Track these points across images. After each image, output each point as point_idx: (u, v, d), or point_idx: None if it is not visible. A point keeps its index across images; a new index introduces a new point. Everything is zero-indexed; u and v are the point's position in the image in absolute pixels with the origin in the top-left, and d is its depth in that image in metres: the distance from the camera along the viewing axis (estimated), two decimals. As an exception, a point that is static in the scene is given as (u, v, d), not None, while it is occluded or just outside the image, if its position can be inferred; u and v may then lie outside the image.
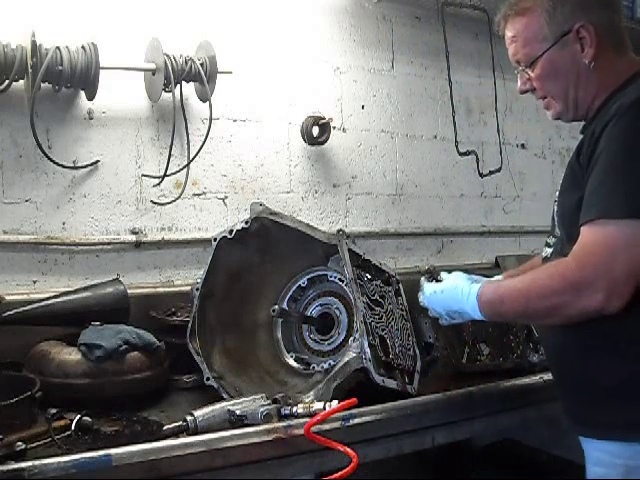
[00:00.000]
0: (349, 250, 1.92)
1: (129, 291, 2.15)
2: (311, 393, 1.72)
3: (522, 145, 3.45)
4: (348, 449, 1.51)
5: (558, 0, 1.51)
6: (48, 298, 2.05)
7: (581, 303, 1.36)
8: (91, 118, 2.31)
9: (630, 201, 1.32)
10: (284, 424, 1.58)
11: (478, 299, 1.56)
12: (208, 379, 1.88)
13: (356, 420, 1.67)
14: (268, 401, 1.66)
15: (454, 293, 1.63)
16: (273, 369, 2.06)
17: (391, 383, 1.79)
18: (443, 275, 1.76)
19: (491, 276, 2.73)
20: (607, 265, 1.33)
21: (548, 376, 2.08)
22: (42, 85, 2.08)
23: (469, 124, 3.22)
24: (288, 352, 2.10)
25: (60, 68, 2.08)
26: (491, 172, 3.13)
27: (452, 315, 1.68)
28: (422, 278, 1.82)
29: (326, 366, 1.98)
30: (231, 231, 2.00)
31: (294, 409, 1.63)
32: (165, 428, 1.56)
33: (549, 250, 1.69)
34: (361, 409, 1.67)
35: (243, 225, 1.99)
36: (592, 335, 1.45)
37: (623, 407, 1.42)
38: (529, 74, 1.59)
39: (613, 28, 1.52)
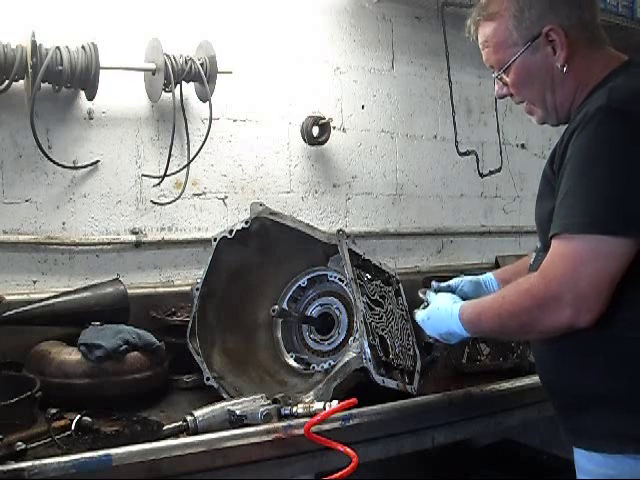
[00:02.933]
0: (349, 250, 1.92)
1: (129, 291, 2.15)
2: (311, 393, 1.73)
3: (522, 145, 3.45)
4: (348, 449, 1.51)
5: (525, 3, 1.45)
6: (48, 298, 2.05)
7: (550, 319, 1.35)
8: (91, 118, 2.31)
9: (593, 215, 1.29)
10: (284, 424, 1.58)
11: (460, 318, 1.57)
12: (208, 379, 1.88)
13: (356, 420, 1.67)
14: (268, 401, 1.66)
15: (439, 316, 1.64)
16: (273, 369, 2.06)
17: (391, 383, 1.79)
18: (430, 297, 1.76)
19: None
20: (572, 280, 1.30)
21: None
22: (42, 85, 2.08)
23: (469, 124, 3.22)
24: (288, 352, 2.10)
25: (60, 68, 2.07)
26: (491, 172, 3.13)
27: (445, 337, 1.67)
28: (420, 294, 1.83)
29: (326, 366, 1.98)
30: (231, 231, 2.00)
31: (294, 409, 1.63)
32: (165, 428, 1.56)
33: (534, 256, 1.65)
34: (361, 409, 1.67)
35: (243, 225, 1.99)
36: (571, 347, 1.42)
37: (602, 418, 1.39)
38: (504, 80, 1.54)
39: (585, 27, 1.46)
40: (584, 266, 1.29)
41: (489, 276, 1.90)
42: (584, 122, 1.34)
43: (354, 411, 1.66)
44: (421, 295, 1.81)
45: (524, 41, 1.46)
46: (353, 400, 1.59)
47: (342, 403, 1.58)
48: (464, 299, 1.70)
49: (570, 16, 1.45)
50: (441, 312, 1.64)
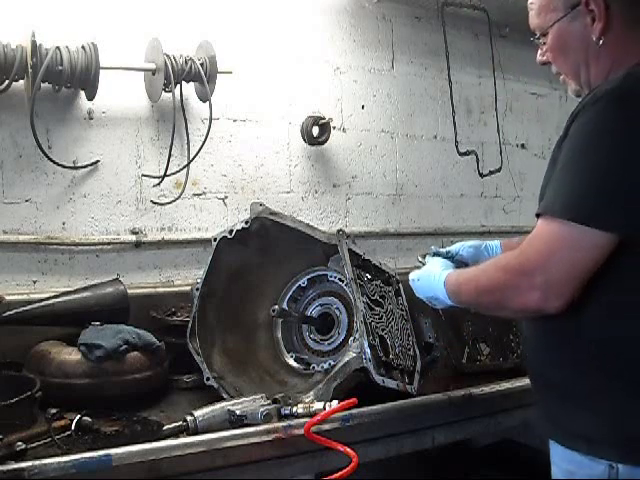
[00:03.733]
0: (349, 250, 1.92)
1: (129, 291, 2.15)
2: (311, 393, 1.73)
3: (522, 145, 3.45)
4: (348, 449, 1.51)
5: None
6: (48, 298, 2.05)
7: (519, 300, 1.32)
8: (91, 118, 2.31)
9: (578, 202, 1.26)
10: (284, 424, 1.58)
11: (444, 286, 1.58)
12: (208, 379, 1.88)
13: (356, 420, 1.67)
14: (268, 401, 1.66)
15: (428, 280, 1.65)
16: (273, 369, 2.06)
17: (391, 383, 1.79)
18: (427, 260, 1.78)
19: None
20: (546, 263, 1.27)
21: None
22: (42, 85, 2.08)
23: (469, 124, 3.22)
24: (288, 352, 2.10)
25: (60, 68, 2.07)
26: (491, 172, 3.13)
27: (431, 301, 1.68)
28: (419, 257, 1.86)
29: (326, 366, 1.98)
30: (231, 231, 2.00)
31: (294, 409, 1.63)
32: (165, 428, 1.56)
33: None
34: (361, 409, 1.67)
35: (243, 225, 2.00)
36: (544, 332, 1.41)
37: (562, 411, 1.38)
38: (543, 45, 1.50)
39: (629, 5, 1.39)
40: (560, 252, 1.27)
41: (495, 243, 1.87)
42: (589, 103, 1.29)
43: (354, 411, 1.66)
44: (419, 259, 1.84)
45: (565, 7, 1.41)
46: (353, 400, 1.59)
47: (342, 403, 1.58)
48: (463, 265, 1.73)
49: None
50: (430, 277, 1.64)
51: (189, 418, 1.57)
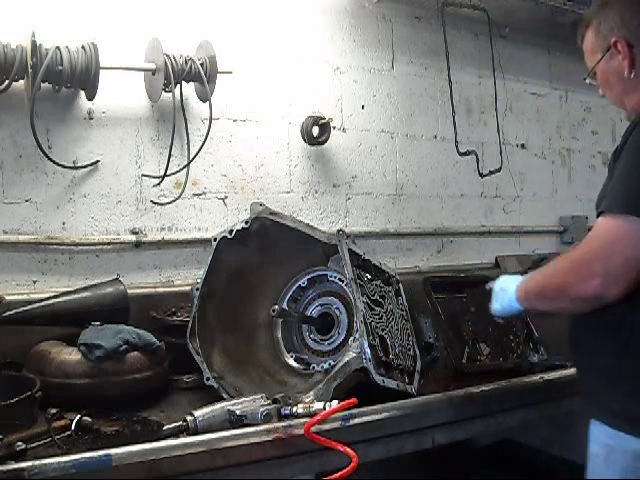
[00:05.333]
0: (349, 250, 1.92)
1: (129, 291, 2.15)
2: (311, 393, 1.73)
3: (522, 145, 3.45)
4: (348, 449, 1.51)
5: (602, 17, 1.66)
6: (48, 298, 2.05)
7: (581, 285, 1.46)
8: (91, 118, 2.31)
9: (633, 201, 1.43)
10: (284, 424, 1.58)
11: (516, 289, 1.71)
12: (208, 379, 1.88)
13: (356, 420, 1.67)
14: (268, 401, 1.66)
15: (502, 291, 1.78)
16: (273, 369, 2.06)
17: (391, 383, 1.79)
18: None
19: (491, 276, 2.75)
20: (607, 254, 1.43)
21: (548, 376, 2.09)
22: (42, 85, 2.08)
23: (469, 124, 3.22)
24: (288, 352, 2.10)
25: (60, 68, 2.08)
26: (491, 172, 3.13)
27: (506, 311, 1.78)
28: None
29: (326, 366, 1.98)
30: (231, 231, 2.00)
31: (294, 409, 1.63)
32: (165, 428, 1.56)
33: None
34: (361, 409, 1.67)
35: (243, 225, 1.99)
36: (598, 319, 1.55)
37: (610, 393, 1.54)
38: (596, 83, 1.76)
39: None
40: (619, 244, 1.43)
41: None
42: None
43: (354, 411, 1.66)
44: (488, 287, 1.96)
45: (602, 50, 1.67)
46: (353, 400, 1.59)
47: (342, 403, 1.58)
48: None
49: (635, 32, 1.63)
50: (504, 286, 1.78)
51: (189, 418, 1.57)
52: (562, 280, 1.53)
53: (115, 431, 1.62)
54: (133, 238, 2.37)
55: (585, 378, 1.66)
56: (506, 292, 1.75)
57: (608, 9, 1.66)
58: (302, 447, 1.59)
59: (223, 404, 1.64)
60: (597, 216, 1.52)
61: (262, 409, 1.61)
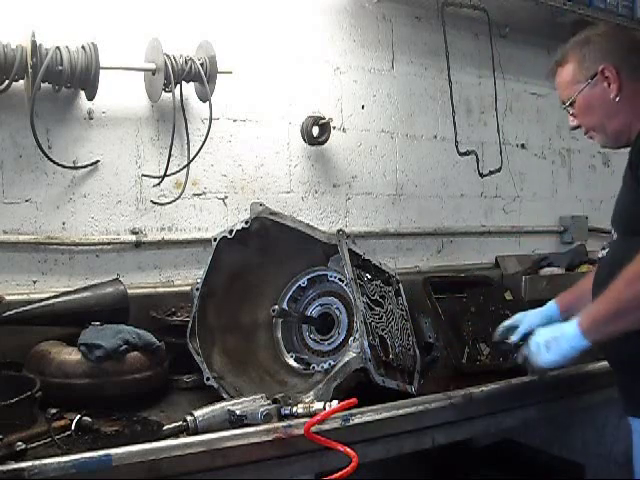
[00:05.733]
0: (349, 250, 1.92)
1: (129, 291, 2.15)
2: (311, 393, 1.73)
3: (522, 145, 3.45)
4: (348, 449, 1.51)
5: (587, 50, 1.85)
6: (48, 298, 2.05)
7: None
8: (91, 118, 2.31)
9: None
10: (284, 424, 1.58)
11: (578, 324, 1.68)
12: (208, 379, 1.88)
13: (356, 420, 1.67)
14: (268, 401, 1.66)
15: (558, 339, 1.73)
16: (273, 369, 2.06)
17: (391, 383, 1.79)
18: (518, 334, 2.00)
19: (491, 276, 2.75)
20: None
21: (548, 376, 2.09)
22: (42, 85, 2.07)
23: (469, 124, 3.22)
24: (288, 352, 2.10)
25: (60, 68, 2.07)
26: (491, 172, 3.13)
27: (569, 356, 1.74)
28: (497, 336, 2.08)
29: (326, 366, 1.98)
30: (231, 231, 2.00)
31: (294, 409, 1.63)
32: (165, 428, 1.56)
33: (604, 252, 1.88)
34: (361, 409, 1.67)
35: (243, 225, 1.99)
36: None
37: None
38: (572, 112, 1.90)
39: (634, 68, 1.81)
40: None
41: (550, 304, 2.06)
42: None
43: (354, 411, 1.66)
44: (501, 338, 2.05)
45: (585, 78, 1.83)
46: (353, 400, 1.59)
47: (342, 403, 1.58)
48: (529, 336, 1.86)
49: (623, 58, 1.82)
50: (557, 335, 1.73)
51: (189, 418, 1.57)
52: None
53: (115, 431, 1.62)
54: (133, 238, 2.37)
55: (621, 375, 1.75)
56: (562, 337, 1.71)
57: (592, 44, 1.85)
58: (302, 447, 1.59)
59: (223, 404, 1.64)
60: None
61: (262, 409, 1.61)
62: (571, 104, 1.88)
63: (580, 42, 1.89)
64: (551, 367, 1.79)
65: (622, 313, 1.61)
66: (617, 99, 1.80)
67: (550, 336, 1.74)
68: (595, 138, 1.91)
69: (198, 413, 1.59)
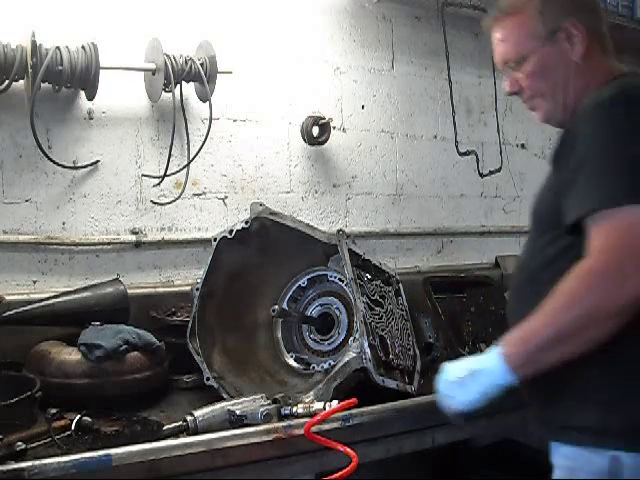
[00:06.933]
0: (349, 250, 1.92)
1: (129, 291, 2.15)
2: (311, 393, 1.73)
3: (522, 145, 3.45)
4: (348, 449, 1.51)
5: (551, 1, 1.53)
6: (48, 298, 2.05)
7: (617, 294, 1.23)
8: (91, 118, 2.31)
9: (632, 187, 1.27)
10: (284, 424, 1.58)
11: (505, 360, 1.36)
12: (208, 379, 1.88)
13: (356, 420, 1.67)
14: (268, 401, 1.66)
15: (474, 374, 1.41)
16: (273, 369, 2.06)
17: (391, 383, 1.79)
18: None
19: (491, 276, 2.75)
20: (633, 249, 1.23)
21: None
22: (42, 85, 2.07)
23: (469, 124, 3.22)
24: (288, 352, 2.10)
25: (60, 68, 2.07)
26: (491, 172, 3.13)
27: (487, 395, 1.42)
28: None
29: (326, 366, 1.98)
30: (231, 231, 2.00)
31: (294, 409, 1.63)
32: (165, 428, 1.57)
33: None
34: (361, 409, 1.67)
35: (243, 225, 2.00)
36: None
37: (571, 409, 1.37)
38: (518, 73, 1.56)
39: (599, 32, 1.55)
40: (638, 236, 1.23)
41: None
42: (590, 110, 1.37)
43: (354, 411, 1.66)
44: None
45: (545, 34, 1.51)
46: (353, 400, 1.59)
47: (342, 403, 1.58)
48: None
49: (590, 20, 1.53)
50: (475, 368, 1.41)
51: (189, 418, 1.58)
52: (591, 299, 1.24)
53: (115, 431, 1.62)
54: (133, 238, 2.37)
55: (536, 396, 1.44)
56: (481, 373, 1.38)
57: None
58: (302, 447, 1.59)
59: (223, 404, 1.64)
60: (575, 221, 1.30)
61: (262, 409, 1.61)
62: (519, 63, 1.55)
63: None
64: (469, 409, 1.43)
65: (561, 340, 1.29)
66: (580, 63, 1.50)
67: (464, 370, 1.42)
68: (539, 109, 1.59)
69: (198, 413, 1.59)
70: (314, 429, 1.54)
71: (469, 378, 1.40)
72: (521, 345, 1.34)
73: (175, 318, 2.16)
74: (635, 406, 1.31)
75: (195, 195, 2.51)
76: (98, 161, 2.31)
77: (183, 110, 2.40)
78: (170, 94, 2.29)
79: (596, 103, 1.37)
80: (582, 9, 1.54)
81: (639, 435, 1.30)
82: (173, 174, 2.38)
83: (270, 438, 1.55)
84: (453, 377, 1.44)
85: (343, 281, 2.02)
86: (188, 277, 2.45)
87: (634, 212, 1.24)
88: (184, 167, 2.38)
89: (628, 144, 1.30)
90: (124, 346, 1.84)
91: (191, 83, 2.40)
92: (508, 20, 1.56)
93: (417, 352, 2.05)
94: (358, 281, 1.89)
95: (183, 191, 2.40)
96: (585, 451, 1.33)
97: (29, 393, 1.61)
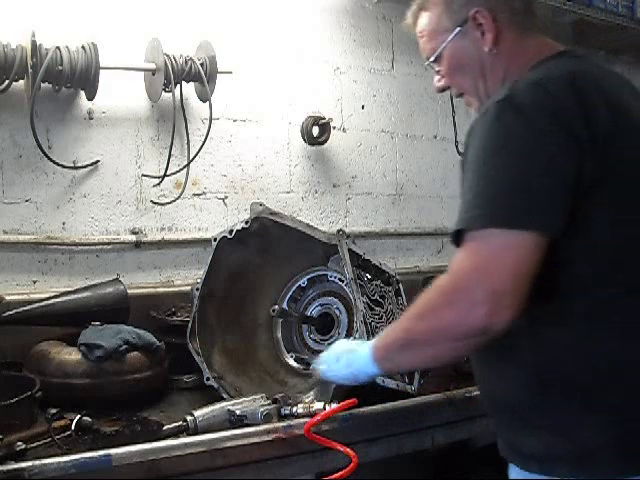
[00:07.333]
0: (349, 250, 1.92)
1: (129, 291, 2.15)
2: (311, 393, 1.73)
3: (522, 145, 3.45)
4: (348, 449, 1.51)
5: None
6: (48, 298, 2.05)
7: (461, 319, 1.17)
8: (91, 118, 2.31)
9: (494, 208, 1.18)
10: (284, 424, 1.58)
11: (371, 347, 1.39)
12: (208, 379, 1.88)
13: (356, 420, 1.67)
14: (268, 401, 1.66)
15: (349, 355, 1.47)
16: (273, 369, 2.06)
17: (391, 383, 1.79)
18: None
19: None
20: (484, 274, 1.15)
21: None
22: (42, 85, 2.08)
23: (469, 124, 3.20)
24: (288, 352, 2.10)
25: (60, 68, 2.08)
26: (491, 172, 3.12)
27: (351, 377, 1.48)
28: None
29: (326, 366, 1.97)
30: (231, 231, 2.00)
31: (294, 409, 1.63)
32: (165, 428, 1.56)
33: None
34: (361, 409, 1.67)
35: (243, 225, 1.99)
36: (489, 353, 1.30)
37: (523, 434, 1.29)
38: (439, 70, 1.51)
39: (515, 13, 1.42)
40: (498, 260, 1.15)
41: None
42: (482, 114, 1.28)
43: (354, 411, 1.66)
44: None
45: (453, 26, 1.43)
46: (353, 400, 1.59)
47: (342, 403, 1.58)
48: None
49: (501, 3, 1.42)
50: (350, 350, 1.47)
51: (189, 418, 1.57)
52: (436, 318, 1.21)
53: (115, 431, 1.62)
54: (133, 238, 2.37)
55: (492, 417, 1.39)
56: (355, 357, 1.43)
57: None
58: (302, 447, 1.58)
59: (223, 404, 1.64)
60: (455, 237, 1.22)
61: (262, 409, 1.61)
62: (437, 59, 1.48)
63: None
64: (337, 382, 1.53)
65: (410, 346, 1.29)
66: (493, 52, 1.40)
67: (344, 350, 1.48)
68: (470, 105, 1.51)
69: (198, 413, 1.59)
70: (314, 429, 1.54)
71: (345, 356, 1.47)
72: (384, 341, 1.38)
73: (175, 318, 2.16)
74: (577, 430, 1.21)
75: (195, 195, 2.51)
76: (98, 161, 2.31)
77: (183, 110, 2.40)
78: (170, 94, 2.29)
79: (485, 109, 1.27)
80: None
81: (585, 461, 1.21)
82: (173, 174, 2.38)
83: (270, 438, 1.55)
84: (334, 351, 1.52)
85: (343, 281, 2.02)
86: (188, 277, 2.46)
87: (497, 236, 1.16)
88: (184, 167, 2.38)
89: (499, 164, 1.20)
90: (124, 346, 1.84)
91: (191, 83, 2.41)
92: (422, 14, 1.50)
93: (417, 352, 2.04)
94: (358, 281, 1.89)
95: (183, 191, 2.40)
96: (533, 475, 1.26)
97: (29, 393, 1.61)
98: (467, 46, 1.43)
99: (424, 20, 1.50)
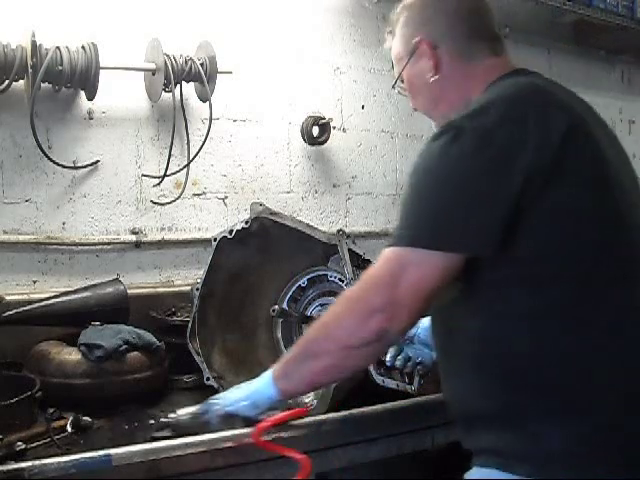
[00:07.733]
0: (349, 250, 1.92)
1: (129, 291, 2.15)
2: (311, 393, 1.72)
3: (522, 145, 3.45)
4: (299, 455, 1.43)
5: (407, 18, 1.51)
6: (48, 298, 2.05)
7: (357, 325, 1.23)
8: (91, 118, 2.31)
9: (417, 229, 1.26)
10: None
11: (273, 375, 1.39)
12: (208, 379, 1.88)
13: (356, 420, 1.66)
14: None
15: (249, 388, 1.45)
16: (273, 369, 2.06)
17: (391, 383, 1.79)
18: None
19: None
20: (389, 283, 1.22)
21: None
22: (42, 85, 2.08)
23: (469, 124, 3.21)
24: (288, 352, 2.10)
25: (60, 68, 2.08)
26: (491, 172, 3.12)
27: (247, 405, 1.44)
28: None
29: (326, 366, 1.97)
30: (231, 231, 1.99)
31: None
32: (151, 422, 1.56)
33: None
34: (361, 409, 1.67)
35: (243, 225, 1.99)
36: (450, 354, 1.35)
37: (484, 433, 1.30)
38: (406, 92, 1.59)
39: (457, 40, 1.47)
40: (403, 274, 1.22)
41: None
42: (428, 142, 1.32)
43: (354, 411, 1.66)
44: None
45: (407, 54, 1.51)
46: (303, 410, 1.57)
47: (291, 411, 1.54)
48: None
49: (440, 27, 1.47)
50: (251, 385, 1.44)
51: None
52: (335, 324, 1.27)
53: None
54: (133, 238, 2.37)
55: (455, 419, 1.39)
56: (258, 378, 1.42)
57: (410, 9, 1.51)
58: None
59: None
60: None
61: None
62: (401, 82, 1.57)
63: (405, 6, 1.52)
64: (238, 413, 1.45)
65: (308, 357, 1.31)
66: (434, 79, 1.45)
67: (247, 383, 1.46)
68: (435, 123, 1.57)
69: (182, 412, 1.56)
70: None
71: (245, 384, 1.45)
72: (285, 357, 1.38)
73: (175, 318, 2.16)
74: (538, 428, 1.20)
75: (195, 195, 2.51)
76: (98, 161, 2.31)
77: (183, 110, 2.40)
78: (170, 94, 2.29)
79: (432, 136, 1.30)
80: (433, 20, 1.48)
81: (548, 461, 1.20)
82: (173, 174, 2.38)
83: (270, 438, 1.55)
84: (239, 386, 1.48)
85: (343, 281, 2.02)
86: (188, 277, 2.46)
87: (409, 253, 1.23)
88: (184, 167, 2.38)
89: (430, 187, 1.26)
90: (124, 346, 1.84)
91: (191, 83, 2.41)
92: (390, 39, 1.57)
93: (417, 352, 2.04)
94: (358, 281, 1.89)
95: (183, 191, 2.40)
96: (498, 472, 1.25)
97: (29, 393, 1.61)
98: (417, 73, 1.50)
99: (390, 45, 1.58)
